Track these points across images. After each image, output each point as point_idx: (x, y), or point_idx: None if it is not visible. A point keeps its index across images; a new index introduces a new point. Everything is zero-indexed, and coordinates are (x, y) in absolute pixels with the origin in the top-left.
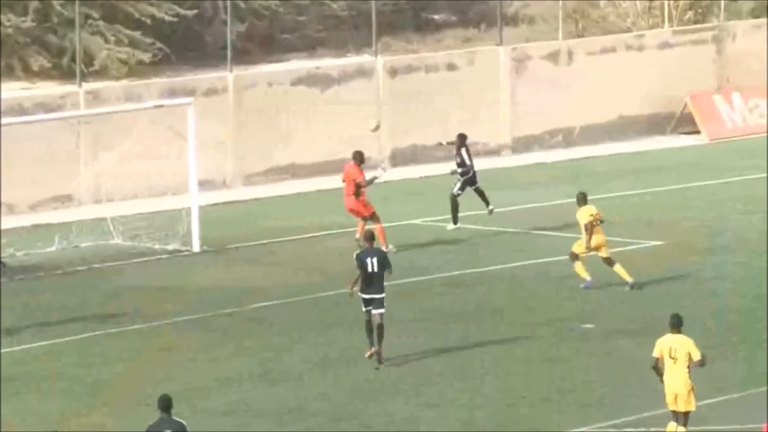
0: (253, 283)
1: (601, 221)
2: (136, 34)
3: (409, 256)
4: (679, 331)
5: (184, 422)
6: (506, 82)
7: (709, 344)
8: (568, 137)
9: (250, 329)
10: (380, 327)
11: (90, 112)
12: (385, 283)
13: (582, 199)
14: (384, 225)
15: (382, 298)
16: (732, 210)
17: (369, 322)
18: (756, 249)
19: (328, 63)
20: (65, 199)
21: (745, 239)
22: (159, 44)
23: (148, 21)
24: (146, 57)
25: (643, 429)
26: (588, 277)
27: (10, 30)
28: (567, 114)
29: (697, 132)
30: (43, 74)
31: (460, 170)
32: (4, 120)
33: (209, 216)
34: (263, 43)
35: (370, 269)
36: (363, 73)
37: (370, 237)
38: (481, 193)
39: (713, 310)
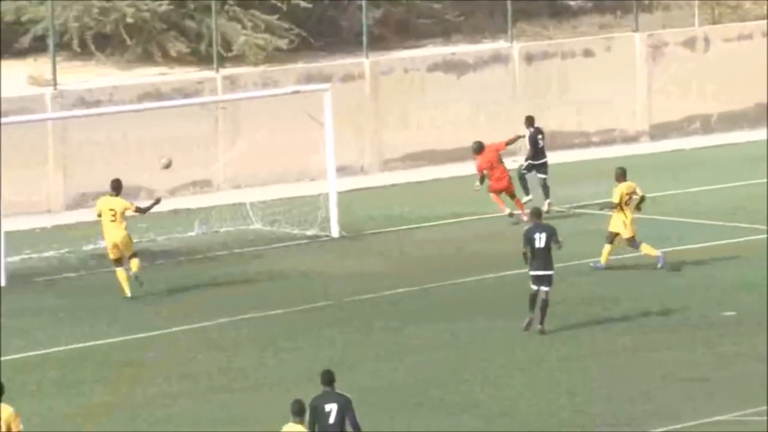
0: (390, 269)
1: (642, 199)
2: (273, 19)
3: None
4: None
5: (347, 395)
6: (643, 69)
7: None
8: (706, 124)
9: (386, 314)
10: (545, 304)
11: (228, 97)
12: None
13: (621, 175)
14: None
15: (551, 275)
16: None
17: (535, 297)
18: None
19: (463, 49)
20: (204, 184)
21: None
22: (296, 30)
23: (284, 7)
24: (283, 43)
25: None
26: (603, 262)
27: (147, 15)
28: (704, 101)
29: None
30: (181, 60)
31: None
32: (141, 105)
33: (347, 202)
34: (399, 28)
35: (537, 245)
36: (499, 59)
37: (537, 213)
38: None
39: None
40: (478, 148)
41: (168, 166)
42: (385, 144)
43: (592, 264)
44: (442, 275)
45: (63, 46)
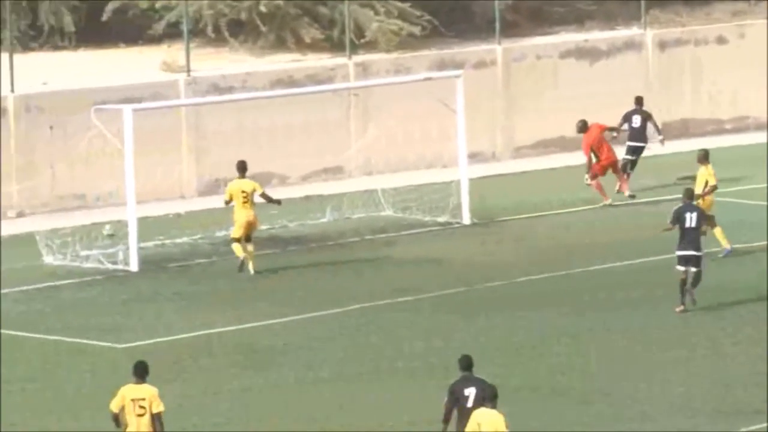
0: (522, 256)
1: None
2: (406, 6)
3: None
4: None
5: (487, 380)
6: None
7: None
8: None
9: (517, 302)
10: (697, 277)
11: (360, 84)
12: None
13: (704, 157)
14: (650, 199)
15: (700, 256)
16: None
17: (684, 281)
18: None
19: (596, 36)
20: (336, 171)
21: None
22: (428, 16)
23: None
24: (416, 29)
25: None
26: (726, 245)
27: (281, 2)
28: None
29: None
30: (314, 46)
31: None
32: (274, 92)
33: (479, 189)
34: (532, 15)
35: (687, 224)
36: (632, 46)
37: (690, 194)
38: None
39: None
40: (583, 127)
41: (111, 235)
42: (516, 131)
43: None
44: (574, 262)
45: (197, 33)
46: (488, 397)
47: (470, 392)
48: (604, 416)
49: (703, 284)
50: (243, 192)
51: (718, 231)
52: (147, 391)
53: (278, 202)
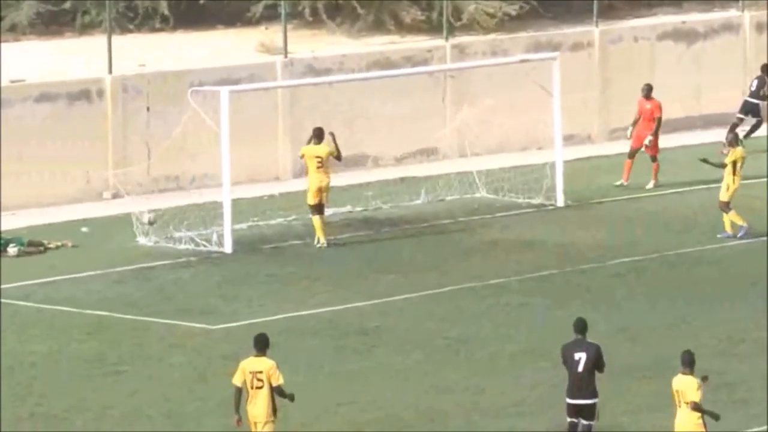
0: (616, 238)
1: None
2: None
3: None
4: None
5: (598, 345)
6: None
7: None
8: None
9: (610, 286)
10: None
11: (455, 66)
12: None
13: (735, 140)
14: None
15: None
16: None
17: None
18: None
19: (694, 18)
20: (431, 152)
21: None
22: None
23: None
24: (513, 10)
25: None
26: (745, 223)
27: None
28: None
29: None
30: (412, 28)
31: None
32: (370, 74)
33: (573, 171)
34: None
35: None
36: (729, 28)
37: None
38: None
39: None
40: (650, 91)
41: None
42: (612, 113)
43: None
44: (668, 245)
45: (294, 15)
46: (685, 362)
47: (580, 356)
48: None
49: None
50: (317, 157)
51: (732, 214)
52: (265, 363)
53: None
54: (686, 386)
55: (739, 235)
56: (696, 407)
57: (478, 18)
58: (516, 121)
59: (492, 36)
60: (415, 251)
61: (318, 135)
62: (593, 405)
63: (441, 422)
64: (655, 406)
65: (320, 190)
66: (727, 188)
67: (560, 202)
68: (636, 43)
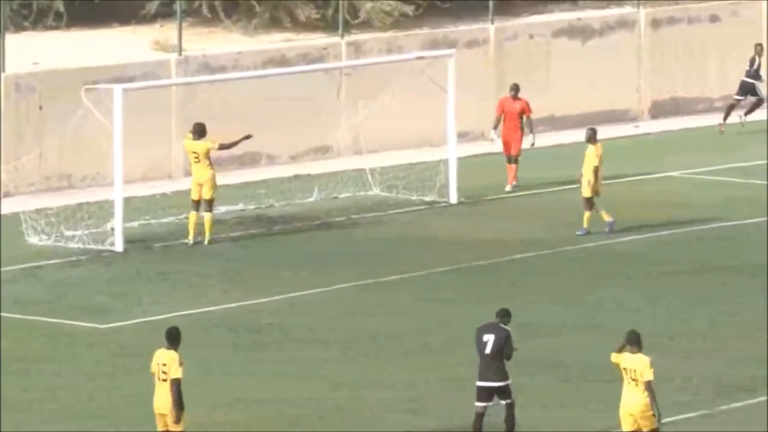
0: (508, 235)
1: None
2: None
3: (667, 208)
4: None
5: (509, 330)
6: None
7: None
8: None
9: (504, 282)
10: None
11: (350, 63)
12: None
13: (592, 137)
14: (641, 177)
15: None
16: None
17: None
18: None
19: (589, 14)
20: (325, 150)
21: None
22: None
23: None
24: (409, 9)
25: None
26: (606, 219)
27: None
28: None
29: None
30: (308, 26)
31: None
32: (265, 71)
33: (467, 168)
34: None
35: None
36: (625, 24)
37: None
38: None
39: None
40: (517, 91)
41: None
42: None
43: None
44: (560, 242)
45: (190, 13)
46: (632, 341)
47: (489, 338)
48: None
49: None
50: (194, 152)
51: (586, 213)
52: (169, 356)
53: (246, 137)
54: (638, 365)
55: (606, 231)
56: (649, 386)
57: (374, 16)
58: (411, 118)
59: (388, 33)
60: (308, 249)
61: (198, 131)
62: (506, 386)
63: (334, 419)
64: (543, 401)
65: (200, 186)
66: (589, 184)
67: (453, 198)
68: (531, 40)
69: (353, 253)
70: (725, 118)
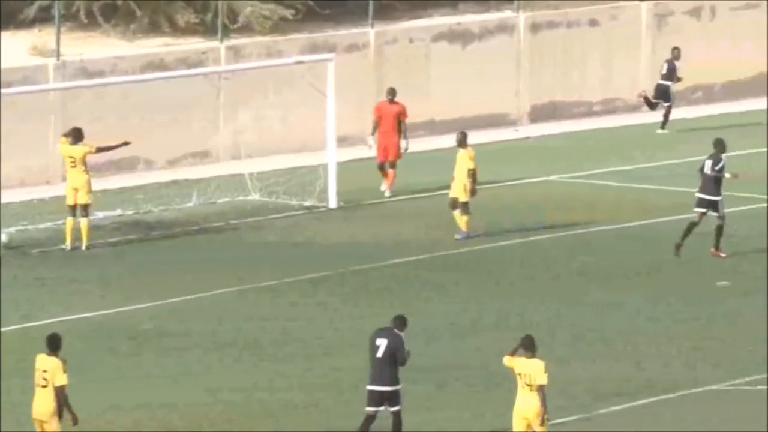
0: (387, 239)
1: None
2: None
3: (545, 212)
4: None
5: (402, 336)
6: (648, 38)
7: None
8: (709, 93)
9: (385, 286)
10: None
11: (230, 68)
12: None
13: (462, 141)
14: (521, 181)
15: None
16: None
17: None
18: None
19: (469, 19)
20: (204, 155)
21: None
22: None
23: None
24: (289, 13)
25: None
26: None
27: None
28: (708, 70)
29: None
30: (188, 30)
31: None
32: (143, 75)
33: (347, 172)
34: None
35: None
36: (504, 29)
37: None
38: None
39: None
40: (393, 95)
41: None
42: None
43: (457, 236)
44: (441, 246)
45: (68, 17)
46: (528, 346)
47: (381, 342)
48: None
49: None
50: (71, 157)
51: (463, 217)
52: (51, 362)
53: (125, 143)
54: (532, 369)
55: (458, 238)
56: (542, 389)
57: (253, 20)
58: (290, 122)
59: (267, 38)
60: (186, 254)
61: (74, 135)
62: (396, 392)
63: (217, 424)
64: (426, 407)
65: (75, 190)
66: (465, 188)
67: (333, 203)
68: (411, 44)
69: (232, 258)
70: (663, 125)
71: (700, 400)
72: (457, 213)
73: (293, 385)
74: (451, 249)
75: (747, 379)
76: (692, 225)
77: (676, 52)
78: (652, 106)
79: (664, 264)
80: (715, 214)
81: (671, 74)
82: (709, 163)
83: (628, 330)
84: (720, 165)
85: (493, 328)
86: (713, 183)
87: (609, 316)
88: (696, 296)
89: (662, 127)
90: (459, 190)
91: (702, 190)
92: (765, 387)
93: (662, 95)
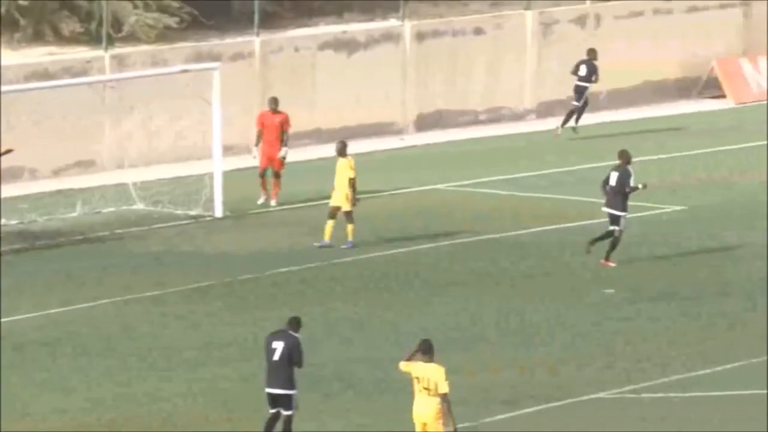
0: (273, 248)
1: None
2: None
3: (431, 221)
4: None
5: (298, 337)
6: (533, 47)
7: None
8: (594, 102)
9: (269, 295)
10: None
11: (114, 77)
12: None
13: (342, 150)
14: (407, 190)
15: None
16: (757, 175)
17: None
18: None
19: (355, 27)
20: (88, 165)
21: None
22: (187, 8)
23: None
24: (174, 22)
25: (661, 394)
26: (327, 240)
27: None
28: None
29: (723, 96)
30: (74, 39)
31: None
32: (31, 84)
33: (233, 181)
34: (291, 6)
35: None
36: (390, 37)
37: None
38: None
39: (737, 277)
40: (276, 104)
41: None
42: None
43: (317, 244)
44: (328, 254)
45: None
46: (426, 350)
47: (277, 345)
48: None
49: None
50: None
51: (348, 226)
52: None
53: (7, 151)
54: (432, 375)
55: (318, 245)
56: (446, 397)
57: (138, 29)
58: (176, 131)
59: (152, 47)
60: (71, 264)
61: None
62: (290, 396)
63: None
64: (312, 417)
65: None
66: (347, 197)
67: (219, 213)
68: (297, 52)
69: (118, 267)
70: (564, 123)
71: (584, 408)
72: (330, 222)
73: (179, 393)
74: (337, 257)
75: (632, 386)
76: (609, 234)
77: (593, 54)
78: (575, 108)
79: (554, 270)
80: (617, 227)
81: (590, 75)
82: (615, 176)
83: (517, 337)
84: (629, 179)
85: (378, 336)
86: (620, 197)
87: (493, 321)
88: (573, 304)
89: (572, 128)
90: (341, 199)
91: (608, 205)
92: (651, 395)
93: (580, 95)
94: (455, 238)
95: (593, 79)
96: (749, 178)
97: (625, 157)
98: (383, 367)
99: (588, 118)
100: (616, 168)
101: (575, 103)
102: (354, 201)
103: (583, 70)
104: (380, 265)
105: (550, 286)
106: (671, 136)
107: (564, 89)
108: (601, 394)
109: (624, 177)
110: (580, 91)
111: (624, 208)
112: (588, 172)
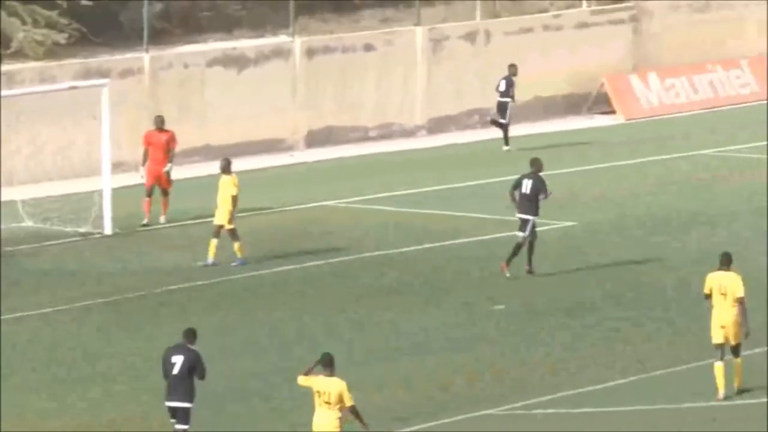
0: (165, 265)
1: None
2: (53, 14)
3: (322, 237)
4: (728, 269)
5: (198, 352)
6: (423, 63)
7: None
8: (484, 118)
9: (160, 312)
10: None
11: (3, 93)
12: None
13: (226, 167)
14: (297, 207)
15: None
16: (645, 190)
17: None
18: (669, 228)
19: (245, 44)
20: None
21: (657, 218)
22: (75, 24)
23: (64, 3)
24: (62, 38)
25: (552, 410)
26: (211, 259)
27: None
28: (483, 95)
29: (613, 112)
30: None
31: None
32: None
33: (122, 198)
34: (181, 23)
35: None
36: (280, 54)
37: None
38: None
39: (625, 289)
40: (162, 123)
41: None
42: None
43: (201, 263)
44: (218, 272)
45: None
46: (327, 364)
47: (177, 360)
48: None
49: None
50: None
51: (235, 243)
52: None
53: None
54: (334, 388)
55: (234, 264)
56: (355, 410)
57: (26, 45)
58: (64, 148)
59: (41, 63)
60: None
61: None
62: (187, 409)
63: None
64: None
65: None
66: (230, 214)
67: (108, 230)
68: (186, 69)
69: (7, 285)
70: (506, 141)
71: (475, 424)
72: (214, 241)
73: (66, 411)
74: (225, 275)
75: (523, 403)
76: (518, 247)
77: (513, 69)
78: (501, 126)
79: (442, 285)
80: (522, 234)
81: (508, 90)
82: (528, 183)
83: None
84: (544, 186)
85: (268, 350)
86: (532, 202)
87: (380, 336)
88: (474, 316)
89: (505, 144)
90: (223, 216)
91: (521, 211)
92: (542, 411)
93: (501, 112)
94: (344, 255)
95: (510, 93)
96: (642, 191)
97: (538, 165)
98: (276, 381)
99: (479, 134)
100: (528, 176)
101: (501, 120)
102: (231, 218)
103: (502, 86)
104: (268, 282)
105: (436, 300)
106: (562, 151)
107: (453, 106)
108: (491, 411)
109: (537, 184)
110: (503, 108)
111: (536, 213)
112: (478, 188)
